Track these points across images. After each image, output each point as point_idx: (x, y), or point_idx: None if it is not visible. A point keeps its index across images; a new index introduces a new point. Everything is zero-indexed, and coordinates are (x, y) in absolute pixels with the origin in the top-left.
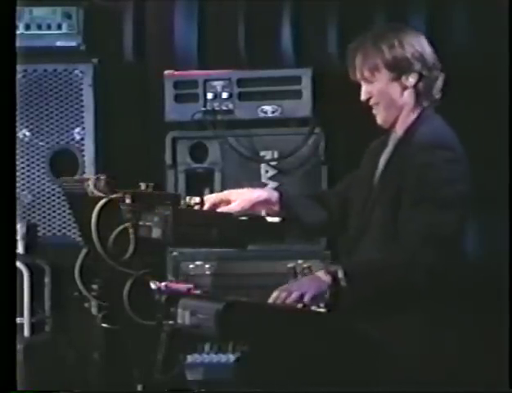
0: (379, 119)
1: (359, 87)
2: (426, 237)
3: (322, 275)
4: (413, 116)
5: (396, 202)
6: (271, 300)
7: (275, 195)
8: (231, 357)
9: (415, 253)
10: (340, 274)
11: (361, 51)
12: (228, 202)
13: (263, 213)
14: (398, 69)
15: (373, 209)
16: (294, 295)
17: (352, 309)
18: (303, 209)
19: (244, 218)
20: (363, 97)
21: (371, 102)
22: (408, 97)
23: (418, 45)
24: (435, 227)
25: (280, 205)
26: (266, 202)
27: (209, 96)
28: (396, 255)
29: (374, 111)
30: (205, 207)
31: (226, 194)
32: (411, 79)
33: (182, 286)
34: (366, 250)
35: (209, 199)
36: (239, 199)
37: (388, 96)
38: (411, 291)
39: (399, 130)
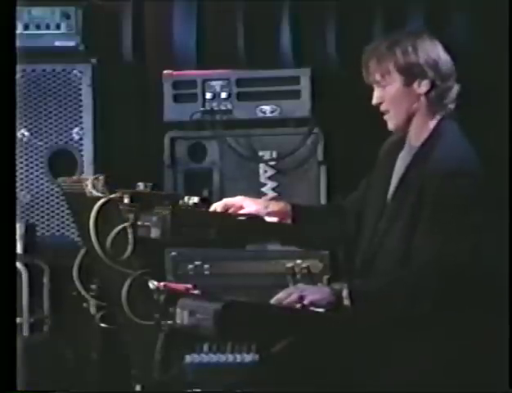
0: (391, 125)
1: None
2: (437, 267)
3: (327, 290)
4: (429, 128)
5: (410, 227)
6: (273, 301)
7: (287, 207)
8: (230, 357)
9: (423, 282)
10: (344, 293)
11: (375, 55)
12: (241, 208)
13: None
14: (410, 74)
15: (387, 231)
16: (294, 297)
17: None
18: (316, 220)
19: (242, 218)
20: (374, 101)
21: (382, 108)
22: (420, 104)
23: (433, 52)
24: (448, 257)
25: (292, 219)
26: (279, 214)
27: (208, 96)
28: (404, 281)
29: (385, 117)
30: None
31: (238, 200)
32: (423, 87)
33: (181, 286)
34: (380, 264)
35: (221, 203)
36: (253, 207)
37: (399, 101)
38: (417, 314)
39: (415, 142)
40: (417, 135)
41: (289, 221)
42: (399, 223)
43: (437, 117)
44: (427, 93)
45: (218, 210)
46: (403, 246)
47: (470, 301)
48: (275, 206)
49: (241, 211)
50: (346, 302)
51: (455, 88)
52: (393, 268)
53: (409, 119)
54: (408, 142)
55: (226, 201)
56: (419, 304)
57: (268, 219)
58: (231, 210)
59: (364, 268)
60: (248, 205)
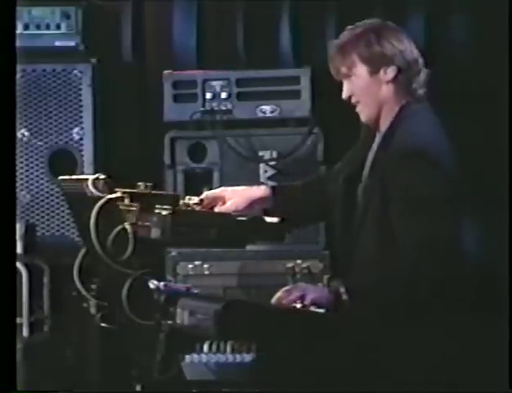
0: (363, 117)
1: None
2: (422, 246)
3: (326, 289)
4: (394, 112)
5: (385, 206)
6: (273, 301)
7: (268, 192)
8: (230, 357)
9: (415, 266)
10: (342, 289)
11: (340, 48)
12: (223, 200)
13: (260, 211)
14: (375, 63)
15: (366, 210)
16: (294, 296)
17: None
18: (299, 197)
19: (242, 218)
20: (344, 95)
21: (353, 100)
22: (387, 91)
23: (396, 41)
24: (429, 234)
25: (274, 202)
26: (260, 200)
27: (208, 96)
28: (396, 267)
29: (357, 109)
30: (201, 205)
31: (220, 192)
32: (390, 73)
33: (181, 286)
34: (362, 249)
35: (205, 198)
36: (234, 197)
37: (367, 91)
38: (416, 300)
39: (382, 127)
40: (384, 121)
41: (271, 204)
42: (372, 207)
43: (403, 102)
44: (394, 80)
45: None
46: (380, 229)
47: (468, 290)
48: (256, 192)
49: (226, 204)
50: (344, 297)
51: (423, 73)
52: (378, 254)
53: (379, 108)
54: (378, 132)
55: (207, 193)
56: (417, 290)
57: (253, 205)
58: (215, 203)
59: (351, 248)
60: (229, 196)
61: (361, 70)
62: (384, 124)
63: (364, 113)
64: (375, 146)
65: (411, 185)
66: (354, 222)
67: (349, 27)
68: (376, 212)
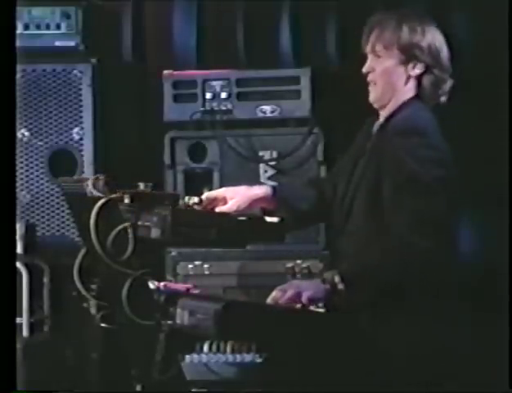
0: (373, 97)
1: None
2: (413, 223)
3: (320, 282)
4: (399, 104)
5: (376, 189)
6: (269, 300)
7: (269, 191)
8: (230, 357)
9: (407, 242)
10: (337, 279)
11: (382, 25)
12: (224, 200)
13: (260, 210)
14: (410, 54)
15: (354, 196)
16: (290, 294)
17: (352, 310)
18: (299, 197)
19: (242, 218)
20: (365, 69)
21: (370, 78)
22: (408, 85)
23: (437, 40)
24: (420, 212)
25: (275, 202)
26: (262, 199)
27: (208, 96)
28: (389, 248)
29: (369, 87)
30: (202, 205)
31: (221, 192)
32: (417, 70)
33: (181, 286)
34: (349, 238)
35: (205, 198)
36: (235, 197)
37: (390, 77)
38: (411, 282)
39: (386, 112)
40: (390, 107)
41: (272, 205)
42: (366, 185)
43: (411, 95)
44: (419, 77)
45: (203, 204)
46: (373, 206)
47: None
48: (257, 191)
49: (227, 204)
50: (340, 286)
51: (450, 82)
52: (366, 229)
53: (392, 96)
54: (377, 121)
55: (208, 193)
56: (411, 266)
57: (254, 205)
58: (216, 203)
59: (340, 233)
60: (230, 196)
61: (394, 55)
62: (389, 110)
63: (376, 94)
64: (375, 129)
65: (405, 161)
66: (345, 200)
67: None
68: (369, 190)
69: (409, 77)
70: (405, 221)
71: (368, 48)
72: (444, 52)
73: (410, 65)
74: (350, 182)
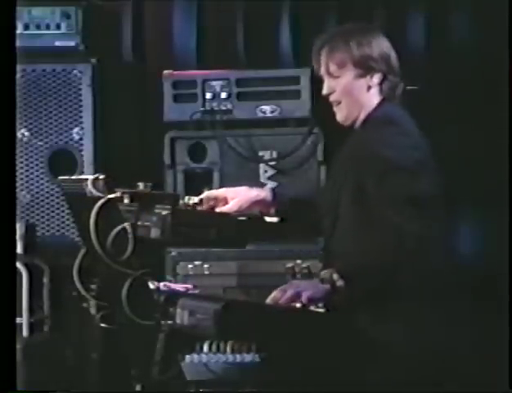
0: (340, 116)
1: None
2: (400, 207)
3: (319, 282)
4: (370, 109)
5: (359, 184)
6: (268, 301)
7: (270, 194)
8: (230, 357)
9: (396, 226)
10: (335, 276)
11: (329, 46)
12: (225, 201)
13: (259, 213)
14: (364, 67)
15: (339, 197)
16: (289, 294)
17: (352, 308)
18: (298, 205)
19: (242, 218)
20: (325, 91)
21: (332, 98)
22: (371, 95)
23: (385, 47)
24: (404, 195)
25: (275, 205)
26: (262, 202)
27: (208, 96)
28: (381, 235)
29: (334, 108)
30: (202, 206)
31: (222, 192)
32: (375, 79)
33: (181, 286)
34: (338, 238)
35: (206, 197)
36: (236, 198)
37: (352, 93)
38: (409, 269)
39: (357, 124)
40: (360, 119)
41: (272, 208)
42: (348, 190)
43: (377, 100)
44: (378, 85)
45: (203, 203)
46: (358, 203)
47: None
48: (258, 193)
49: (228, 204)
50: (339, 283)
51: (401, 86)
52: (355, 224)
53: (359, 110)
54: (354, 127)
55: (209, 193)
56: (404, 247)
57: (254, 207)
58: (216, 204)
59: (331, 233)
60: (231, 196)
61: (350, 71)
62: (359, 121)
63: (342, 113)
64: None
65: (382, 151)
66: (331, 210)
67: (336, 27)
68: (352, 192)
69: (369, 87)
70: (393, 208)
71: (322, 71)
72: (393, 57)
73: (368, 77)
74: (333, 189)
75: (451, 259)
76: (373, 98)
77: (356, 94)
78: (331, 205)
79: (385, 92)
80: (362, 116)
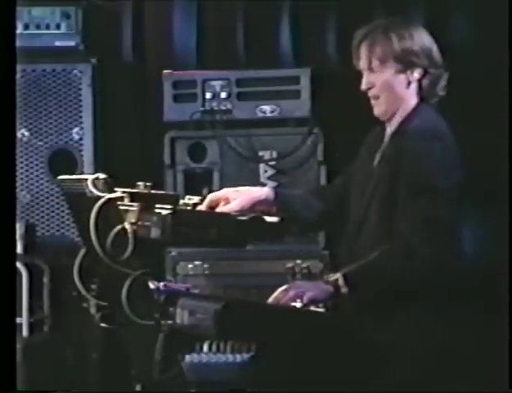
0: (377, 111)
1: (358, 81)
2: (422, 227)
3: (322, 283)
4: (410, 109)
5: (392, 196)
6: (270, 300)
7: (271, 195)
8: (230, 357)
9: (411, 245)
10: (341, 282)
11: (370, 40)
12: (227, 201)
13: (260, 213)
14: (406, 62)
15: (369, 204)
16: (292, 294)
17: (355, 313)
18: (300, 205)
19: (243, 217)
20: (364, 86)
21: (371, 93)
22: (411, 91)
23: (426, 40)
24: (431, 217)
25: (277, 205)
26: (264, 201)
27: (208, 96)
28: (393, 250)
29: (372, 102)
30: (204, 206)
31: (224, 193)
32: (416, 74)
33: (181, 286)
34: (364, 245)
35: (207, 198)
36: (238, 198)
37: (392, 88)
38: (412, 285)
39: (394, 122)
40: (398, 117)
41: (274, 208)
42: (382, 193)
43: (417, 100)
44: (419, 80)
45: (205, 206)
46: (389, 215)
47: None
48: (260, 193)
49: (230, 204)
50: (344, 290)
51: (445, 75)
52: (381, 238)
53: (398, 105)
54: (388, 127)
55: (211, 196)
56: (413, 270)
57: (256, 207)
58: (219, 205)
59: (353, 243)
60: (233, 196)
61: (391, 66)
62: (397, 119)
63: (381, 108)
64: (386, 140)
65: (424, 164)
66: (360, 208)
67: (376, 20)
68: (382, 199)
69: (409, 82)
70: (409, 223)
71: (362, 65)
72: (435, 50)
73: (409, 72)
74: (363, 191)
75: (455, 271)
76: (412, 95)
77: (395, 90)
78: (359, 205)
79: (425, 88)
80: (399, 116)
